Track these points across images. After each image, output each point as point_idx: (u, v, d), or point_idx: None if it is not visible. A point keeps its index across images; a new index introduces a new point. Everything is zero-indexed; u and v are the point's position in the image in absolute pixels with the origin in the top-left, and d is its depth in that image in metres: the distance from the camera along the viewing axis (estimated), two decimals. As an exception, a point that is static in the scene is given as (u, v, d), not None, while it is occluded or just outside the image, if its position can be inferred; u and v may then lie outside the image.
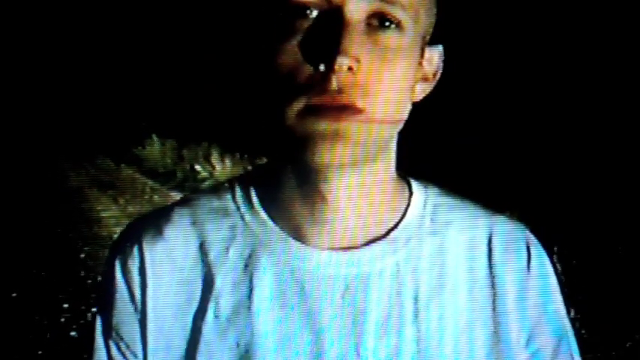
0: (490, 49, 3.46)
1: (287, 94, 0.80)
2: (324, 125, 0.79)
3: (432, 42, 0.90)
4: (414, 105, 0.92)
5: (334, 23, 0.79)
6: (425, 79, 0.90)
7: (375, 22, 0.81)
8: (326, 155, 0.79)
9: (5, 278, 3.35)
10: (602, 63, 3.34)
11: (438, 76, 0.92)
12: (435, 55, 0.90)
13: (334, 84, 0.78)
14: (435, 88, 0.93)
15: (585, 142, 3.35)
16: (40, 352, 2.99)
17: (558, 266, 2.81)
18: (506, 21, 3.49)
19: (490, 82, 3.52)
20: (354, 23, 0.80)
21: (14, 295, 3.26)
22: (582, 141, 3.36)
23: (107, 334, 0.93)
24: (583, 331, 2.79)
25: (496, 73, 3.51)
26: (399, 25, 0.81)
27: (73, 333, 3.16)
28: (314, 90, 0.79)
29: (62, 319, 3.21)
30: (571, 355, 0.96)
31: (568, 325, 0.98)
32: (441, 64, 0.92)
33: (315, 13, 0.80)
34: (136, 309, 0.91)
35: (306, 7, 0.80)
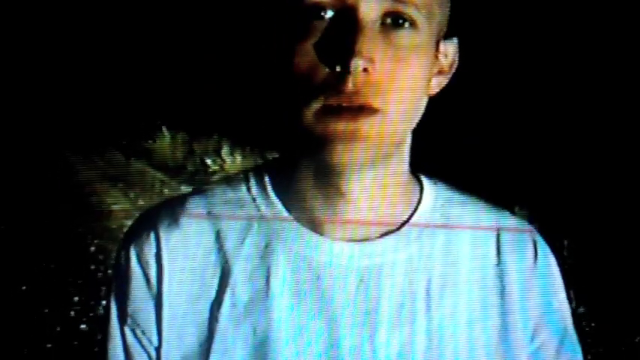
0: (499, 46, 3.46)
1: (304, 95, 0.82)
2: (341, 126, 0.81)
3: (446, 36, 0.91)
4: (430, 101, 0.93)
5: (349, 24, 0.81)
6: (441, 72, 0.92)
7: (389, 22, 0.83)
8: (344, 155, 0.82)
9: (15, 272, 3.37)
10: (607, 61, 3.34)
11: (454, 68, 0.93)
12: (450, 48, 0.92)
13: (350, 85, 0.80)
14: (449, 86, 0.95)
15: (596, 136, 3.35)
16: (49, 346, 3.00)
17: (568, 260, 2.81)
18: (511, 20, 3.49)
19: (501, 80, 3.52)
20: (369, 23, 0.82)
21: (24, 288, 3.28)
22: (593, 136, 3.36)
23: (123, 321, 0.96)
24: (593, 325, 2.79)
25: (507, 71, 3.51)
26: (413, 24, 0.83)
27: (83, 326, 3.17)
28: (330, 90, 0.81)
29: (72, 313, 3.22)
30: (574, 351, 0.98)
31: (570, 322, 1.00)
32: (457, 57, 0.93)
33: (329, 14, 0.82)
34: (152, 296, 0.94)
35: (321, 7, 0.82)
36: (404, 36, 0.83)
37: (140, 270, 0.94)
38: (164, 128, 7.07)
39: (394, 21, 0.83)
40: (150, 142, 7.13)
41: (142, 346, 0.94)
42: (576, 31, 3.34)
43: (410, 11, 0.83)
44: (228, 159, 6.69)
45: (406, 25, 0.83)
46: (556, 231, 3.08)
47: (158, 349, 0.93)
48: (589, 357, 2.81)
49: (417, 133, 0.95)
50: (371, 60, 0.80)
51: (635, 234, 3.03)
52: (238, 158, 6.59)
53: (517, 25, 3.41)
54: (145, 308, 0.94)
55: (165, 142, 7.22)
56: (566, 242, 3.00)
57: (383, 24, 0.83)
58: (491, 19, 3.35)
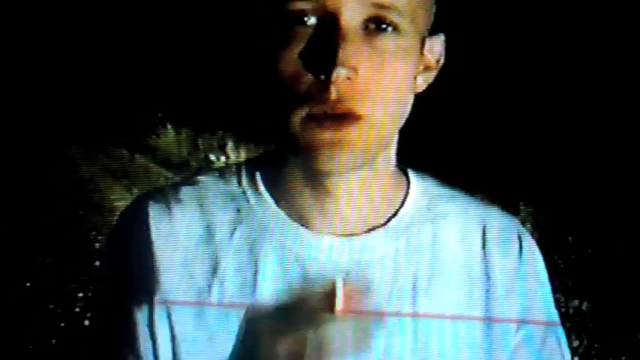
0: (492, 44, 3.47)
1: (289, 103, 0.83)
2: (325, 134, 0.82)
3: (433, 32, 0.91)
4: (418, 101, 0.94)
5: (331, 32, 0.81)
6: (427, 68, 0.92)
7: (372, 26, 0.83)
8: (329, 163, 0.83)
9: (19, 268, 3.37)
10: (605, 60, 3.34)
11: (441, 63, 0.93)
12: (436, 44, 0.92)
13: (333, 94, 0.80)
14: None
15: (601, 134, 3.35)
16: (53, 341, 3.01)
17: (572, 256, 2.81)
18: (507, 18, 3.49)
19: (506, 78, 3.52)
20: (351, 30, 0.82)
21: (28, 284, 3.29)
22: (598, 133, 3.35)
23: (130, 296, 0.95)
24: (596, 321, 2.79)
25: (512, 69, 3.51)
26: (396, 28, 0.83)
27: (86, 322, 3.17)
28: (315, 99, 0.81)
29: (76, 309, 3.22)
30: (559, 343, 1.00)
31: (556, 314, 1.01)
32: (443, 52, 0.93)
33: (312, 20, 0.82)
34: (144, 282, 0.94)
35: (304, 14, 0.82)
36: (387, 40, 0.82)
37: (132, 257, 0.95)
38: (168, 124, 7.08)
39: (377, 26, 0.82)
40: (154, 138, 7.14)
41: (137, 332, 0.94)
42: (575, 28, 3.34)
43: (392, 16, 0.82)
44: (232, 155, 6.69)
45: (389, 29, 0.83)
46: (560, 227, 3.08)
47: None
48: (593, 352, 2.81)
49: (421, 132, 0.96)
50: (354, 69, 0.80)
51: (638, 231, 3.03)
52: (243, 154, 6.60)
53: (518, 24, 3.41)
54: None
55: (169, 138, 7.23)
56: (570, 239, 3.01)
57: (366, 29, 0.82)
58: (490, 18, 3.36)
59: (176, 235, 0.94)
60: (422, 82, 0.92)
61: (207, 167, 5.96)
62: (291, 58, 0.81)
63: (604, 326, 2.78)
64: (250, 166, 0.99)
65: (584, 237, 3.06)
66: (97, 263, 3.65)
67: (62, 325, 3.11)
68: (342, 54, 0.79)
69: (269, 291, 0.90)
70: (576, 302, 2.71)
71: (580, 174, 3.31)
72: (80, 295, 3.30)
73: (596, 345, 2.73)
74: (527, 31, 3.46)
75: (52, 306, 3.20)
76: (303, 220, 0.92)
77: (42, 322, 3.09)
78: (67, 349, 2.99)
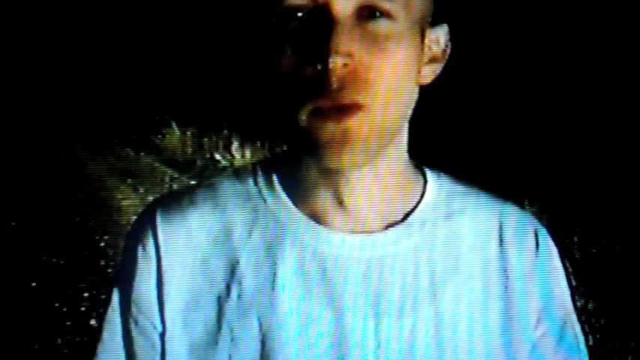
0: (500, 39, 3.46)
1: (294, 100, 0.82)
2: (330, 128, 0.81)
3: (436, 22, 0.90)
4: (429, 95, 0.93)
5: (324, 22, 0.81)
6: (434, 60, 0.91)
7: (365, 13, 0.83)
8: (338, 159, 0.83)
9: (25, 267, 3.38)
10: (610, 56, 3.33)
11: (448, 54, 0.93)
12: (441, 35, 0.92)
13: (334, 82, 0.79)
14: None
15: (605, 134, 3.34)
16: (59, 341, 3.01)
17: (577, 256, 2.80)
18: (514, 13, 3.48)
19: (514, 79, 3.51)
20: (343, 19, 0.82)
21: (34, 284, 3.29)
22: (602, 134, 3.35)
23: (126, 307, 0.95)
24: (602, 321, 2.79)
25: (520, 68, 3.50)
26: (389, 15, 0.83)
27: (92, 322, 3.18)
28: (317, 92, 0.80)
29: (82, 308, 3.23)
30: (576, 339, 0.99)
31: (572, 311, 1.00)
32: (449, 43, 0.93)
33: (305, 14, 0.82)
34: (154, 286, 0.94)
35: (296, 9, 0.82)
36: (380, 26, 0.82)
37: (143, 259, 0.94)
38: (174, 124, 7.09)
39: (370, 13, 0.82)
40: (160, 137, 7.15)
41: (145, 331, 0.94)
42: (587, 24, 3.33)
43: (384, 4, 0.82)
44: (237, 154, 6.70)
45: (382, 16, 0.83)
46: (566, 228, 3.08)
47: (163, 336, 0.93)
48: (599, 352, 2.80)
49: (429, 128, 0.95)
50: (349, 54, 0.79)
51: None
52: (248, 154, 6.60)
53: (537, 17, 3.41)
54: (147, 296, 0.94)
55: (175, 137, 7.24)
56: (575, 238, 3.00)
57: (359, 17, 0.82)
58: (503, 12, 3.35)
59: (191, 237, 0.94)
60: (429, 74, 0.91)
61: (215, 167, 5.96)
62: (288, 52, 0.81)
63: (610, 326, 2.78)
64: (266, 167, 0.98)
65: (589, 236, 3.06)
66: (102, 263, 3.65)
67: (68, 324, 3.12)
68: (335, 41, 0.78)
69: (287, 289, 0.90)
70: (582, 302, 2.71)
71: (584, 174, 3.30)
72: (86, 294, 3.31)
73: (601, 345, 2.73)
74: (541, 29, 3.45)
75: (57, 305, 3.21)
76: (321, 219, 0.91)
77: (47, 321, 3.09)
78: (72, 349, 2.99)
